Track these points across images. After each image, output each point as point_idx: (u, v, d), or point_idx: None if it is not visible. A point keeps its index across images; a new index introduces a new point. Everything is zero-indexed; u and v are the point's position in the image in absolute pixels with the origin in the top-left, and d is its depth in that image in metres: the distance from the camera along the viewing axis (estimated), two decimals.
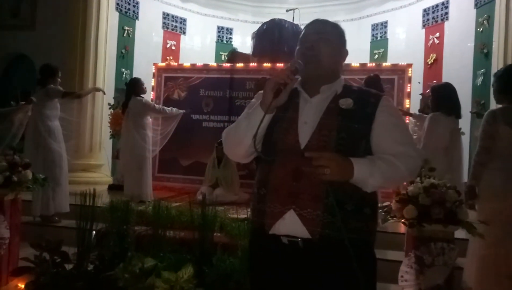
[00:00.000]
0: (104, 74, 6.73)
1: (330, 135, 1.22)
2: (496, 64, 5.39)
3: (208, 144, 5.53)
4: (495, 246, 2.58)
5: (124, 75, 7.34)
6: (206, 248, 2.72)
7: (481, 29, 6.09)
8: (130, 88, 4.98)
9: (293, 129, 1.26)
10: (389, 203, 2.51)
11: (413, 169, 1.28)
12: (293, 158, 1.22)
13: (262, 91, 1.32)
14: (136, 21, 7.81)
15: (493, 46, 5.75)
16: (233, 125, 1.38)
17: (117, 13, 7.38)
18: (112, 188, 5.75)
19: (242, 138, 1.30)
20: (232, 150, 1.40)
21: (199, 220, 2.84)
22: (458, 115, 3.49)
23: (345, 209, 1.19)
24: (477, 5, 6.27)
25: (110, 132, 6.18)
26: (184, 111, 5.54)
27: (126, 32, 7.55)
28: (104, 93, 5.48)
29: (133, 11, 7.74)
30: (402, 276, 2.32)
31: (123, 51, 7.49)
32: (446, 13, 6.98)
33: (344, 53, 1.39)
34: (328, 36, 1.33)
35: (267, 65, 5.91)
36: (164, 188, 5.84)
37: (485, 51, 5.96)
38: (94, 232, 2.93)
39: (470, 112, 5.01)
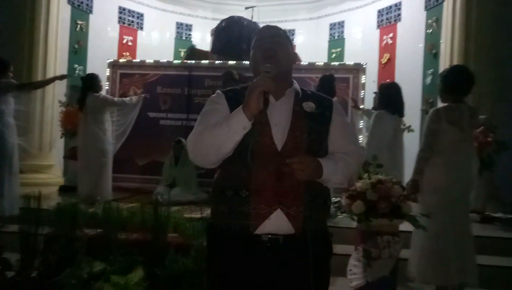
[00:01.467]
0: (55, 69, 6.43)
1: (302, 136, 1.31)
2: (444, 65, 5.66)
3: (166, 142, 5.44)
4: (436, 237, 2.70)
5: (77, 71, 7.05)
6: (159, 250, 2.66)
7: (430, 30, 6.40)
8: (86, 84, 4.79)
9: (266, 132, 1.30)
10: (339, 199, 2.58)
11: (360, 164, 1.49)
12: (272, 160, 1.28)
13: (218, 94, 1.41)
14: (90, 15, 7.52)
15: (441, 47, 6.04)
16: (204, 132, 1.31)
17: (69, 6, 7.09)
18: (63, 189, 5.51)
19: (220, 145, 1.27)
20: (204, 157, 1.34)
21: (151, 221, 2.77)
22: (401, 114, 3.64)
23: (317, 203, 1.33)
24: (426, 8, 6.57)
25: (61, 131, 5.90)
26: (144, 95, 5.40)
27: (79, 26, 7.25)
28: (70, 75, 5.17)
29: (87, 5, 7.45)
30: (350, 270, 2.40)
31: (76, 46, 7.20)
32: (399, 15, 7.26)
33: (295, 56, 1.50)
34: (282, 40, 1.41)
35: (225, 62, 5.88)
36: (119, 189, 5.65)
37: (434, 51, 6.27)
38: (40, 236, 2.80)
39: (421, 109, 5.23)
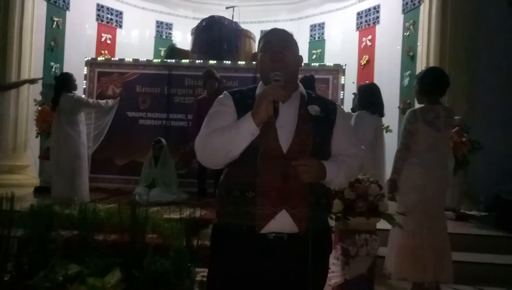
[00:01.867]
0: (30, 67, 6.28)
1: (307, 139, 1.35)
2: (420, 66, 5.78)
3: (145, 142, 5.37)
4: (413, 235, 2.76)
5: (53, 69, 6.87)
6: (137, 251, 2.62)
7: (408, 33, 6.53)
8: (60, 84, 4.66)
9: (272, 134, 1.32)
10: None
11: (361, 166, 1.51)
12: (278, 162, 1.31)
13: (225, 95, 1.43)
14: (67, 12, 7.35)
15: (418, 49, 6.18)
16: (212, 135, 1.33)
17: (45, 3, 6.90)
18: (39, 190, 5.36)
19: (229, 150, 1.31)
20: (212, 160, 1.38)
21: (129, 222, 2.73)
22: (381, 114, 3.70)
23: (321, 203, 1.38)
24: (404, 11, 6.70)
25: (36, 130, 5.75)
26: (119, 98, 5.31)
27: (55, 23, 7.07)
28: (42, 78, 5.07)
29: (63, 1, 7.27)
30: (329, 268, 2.41)
31: (52, 43, 7.02)
32: (378, 17, 7.38)
33: (301, 59, 1.50)
34: (291, 44, 1.43)
35: (206, 61, 5.85)
36: (98, 189, 5.54)
37: (411, 54, 6.40)
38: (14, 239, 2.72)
39: (398, 107, 5.33)
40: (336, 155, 1.43)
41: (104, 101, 5.13)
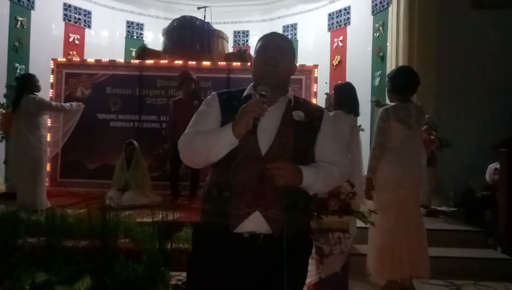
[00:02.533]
0: None
1: (288, 143, 1.37)
2: (390, 67, 5.94)
3: (116, 145, 5.23)
4: (389, 233, 2.80)
5: (18, 70, 6.61)
6: (108, 256, 2.55)
7: (377, 34, 6.68)
8: (22, 85, 4.47)
9: (253, 136, 1.32)
10: None
11: (345, 175, 1.51)
12: (255, 164, 1.33)
13: (212, 96, 1.46)
14: (32, 11, 7.09)
15: (387, 50, 6.33)
16: (195, 138, 1.37)
17: (8, 1, 6.64)
18: (4, 196, 5.12)
19: (208, 155, 1.35)
20: (194, 161, 1.43)
21: (99, 227, 2.65)
22: (356, 113, 3.74)
23: (298, 207, 1.38)
24: (373, 12, 6.85)
25: (0, 134, 5.50)
26: (83, 104, 5.16)
27: (19, 23, 6.81)
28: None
29: (28, 0, 7.01)
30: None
31: (17, 44, 6.76)
32: (348, 18, 7.51)
33: (295, 67, 1.51)
34: (287, 51, 1.44)
35: (178, 62, 5.77)
36: (68, 194, 5.38)
37: (381, 54, 6.55)
38: None
39: (371, 100, 5.42)
40: (318, 161, 1.43)
41: (68, 104, 4.96)
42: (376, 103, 5.25)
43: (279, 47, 1.43)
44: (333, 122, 1.54)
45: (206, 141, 1.34)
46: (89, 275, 2.33)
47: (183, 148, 1.41)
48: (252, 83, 1.46)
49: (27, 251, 2.71)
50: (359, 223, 2.81)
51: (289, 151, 1.36)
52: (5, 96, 5.69)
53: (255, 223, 1.32)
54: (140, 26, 8.83)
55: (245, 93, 1.44)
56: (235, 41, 8.90)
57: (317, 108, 1.52)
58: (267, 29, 8.87)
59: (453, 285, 3.24)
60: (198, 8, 7.01)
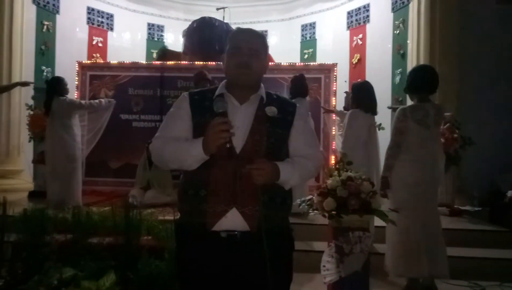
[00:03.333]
0: (21, 72, 6.24)
1: (261, 140, 1.37)
2: (411, 64, 5.84)
3: (139, 144, 5.35)
4: (406, 231, 2.79)
5: (44, 73, 6.83)
6: (131, 253, 2.62)
7: (398, 31, 6.58)
8: (52, 88, 4.64)
9: (228, 146, 1.31)
10: (311, 196, 2.61)
11: (319, 167, 1.53)
12: (230, 162, 1.33)
13: (183, 97, 1.45)
14: (57, 15, 7.31)
15: (408, 47, 6.23)
16: (167, 145, 1.38)
17: (35, 7, 6.86)
18: (33, 195, 5.33)
19: (181, 165, 1.37)
20: (165, 166, 1.45)
21: (123, 225, 2.73)
22: (374, 112, 3.71)
23: (275, 202, 1.38)
24: (393, 9, 6.75)
25: (29, 134, 5.71)
26: (115, 101, 5.28)
27: (45, 27, 7.03)
28: (33, 83, 5.15)
29: (53, 5, 7.23)
30: (324, 266, 2.42)
31: (43, 47, 6.98)
32: (368, 16, 7.42)
33: (268, 65, 1.51)
34: (258, 51, 1.42)
35: (198, 63, 5.85)
36: (93, 193, 5.53)
37: (401, 52, 6.45)
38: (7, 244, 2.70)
39: (388, 107, 5.36)
40: (292, 155, 1.44)
41: (97, 101, 5.10)
42: (394, 109, 5.19)
43: (251, 49, 1.40)
44: (306, 117, 1.56)
45: (178, 155, 1.35)
46: (113, 271, 2.40)
47: (154, 154, 1.43)
48: (224, 81, 1.47)
49: (55, 247, 2.80)
50: (377, 222, 2.80)
51: (263, 147, 1.37)
52: (33, 98, 5.91)
53: (232, 220, 1.32)
54: (160, 28, 8.98)
55: (217, 92, 1.43)
56: None
57: (290, 103, 1.52)
58: (285, 28, 8.89)
59: (477, 286, 3.18)
60: (217, 9, 7.09)
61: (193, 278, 1.37)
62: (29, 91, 5.89)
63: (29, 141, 5.80)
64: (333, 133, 5.40)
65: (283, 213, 1.45)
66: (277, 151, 1.40)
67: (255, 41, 1.44)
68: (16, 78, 6.04)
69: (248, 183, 1.30)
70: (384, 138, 4.32)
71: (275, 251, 1.32)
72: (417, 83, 2.96)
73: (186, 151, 1.34)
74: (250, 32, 1.48)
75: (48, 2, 7.11)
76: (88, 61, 6.65)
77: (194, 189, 1.35)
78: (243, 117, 1.39)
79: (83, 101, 5.08)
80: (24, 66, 6.33)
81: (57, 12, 7.32)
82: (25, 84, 5.01)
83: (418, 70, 3.16)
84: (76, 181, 4.57)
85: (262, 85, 1.47)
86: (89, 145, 5.34)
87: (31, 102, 5.86)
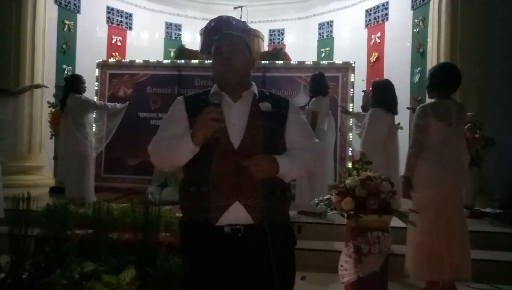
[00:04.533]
0: (43, 70, 6.38)
1: (258, 135, 1.41)
2: (431, 63, 5.74)
3: None
4: (428, 232, 2.72)
5: (65, 72, 6.97)
6: (150, 249, 2.66)
7: (417, 29, 6.47)
8: (68, 85, 4.75)
9: (223, 131, 1.36)
10: (329, 196, 2.60)
11: (316, 158, 1.54)
12: (230, 157, 1.36)
13: (178, 100, 1.50)
14: (78, 15, 7.45)
15: (428, 46, 6.12)
16: (161, 144, 1.41)
17: (56, 6, 7.01)
18: (54, 190, 5.45)
19: (173, 160, 1.40)
20: (161, 165, 1.51)
21: (142, 221, 2.77)
22: (395, 112, 3.66)
23: (275, 195, 1.41)
24: (413, 7, 6.65)
25: (50, 131, 5.85)
26: (128, 102, 5.37)
27: (66, 26, 7.18)
28: (47, 87, 5.28)
29: (74, 5, 7.38)
30: (341, 266, 2.42)
31: (64, 46, 7.12)
32: (386, 14, 7.33)
33: (253, 61, 1.55)
34: (240, 48, 1.47)
35: None
36: (111, 189, 5.62)
37: (421, 50, 6.34)
38: (30, 238, 2.78)
39: (407, 107, 5.29)
40: (289, 148, 1.48)
41: (112, 104, 5.20)
42: (413, 110, 5.11)
43: (230, 45, 1.45)
44: (299, 110, 1.58)
45: (170, 148, 1.38)
46: (133, 266, 2.44)
47: (151, 153, 1.44)
48: (215, 85, 1.50)
49: (76, 242, 2.87)
50: (393, 223, 2.75)
51: (261, 142, 1.40)
52: (54, 96, 6.05)
53: (235, 214, 1.35)
54: (178, 27, 9.06)
55: (211, 93, 1.45)
56: (270, 39, 8.93)
57: (282, 98, 1.57)
58: (302, 27, 8.85)
59: (499, 289, 3.11)
60: (235, 8, 7.09)
61: (200, 275, 1.38)
62: (51, 89, 6.03)
63: (51, 138, 5.93)
64: (350, 135, 5.35)
65: (284, 206, 1.47)
66: (274, 145, 1.44)
67: (235, 40, 1.49)
68: (38, 77, 6.19)
69: (249, 175, 1.33)
70: (402, 138, 4.29)
71: (278, 243, 1.34)
72: (439, 81, 2.88)
73: (177, 143, 1.36)
74: (229, 33, 1.55)
75: (69, 2, 7.26)
76: (108, 60, 6.74)
77: (196, 186, 1.38)
78: (238, 114, 1.43)
79: (97, 101, 5.17)
80: (46, 65, 6.46)
81: (78, 11, 7.46)
82: (38, 86, 5.16)
83: (441, 67, 3.08)
84: (87, 178, 4.63)
85: (253, 83, 1.51)
86: (100, 145, 5.43)
87: (52, 99, 5.99)
